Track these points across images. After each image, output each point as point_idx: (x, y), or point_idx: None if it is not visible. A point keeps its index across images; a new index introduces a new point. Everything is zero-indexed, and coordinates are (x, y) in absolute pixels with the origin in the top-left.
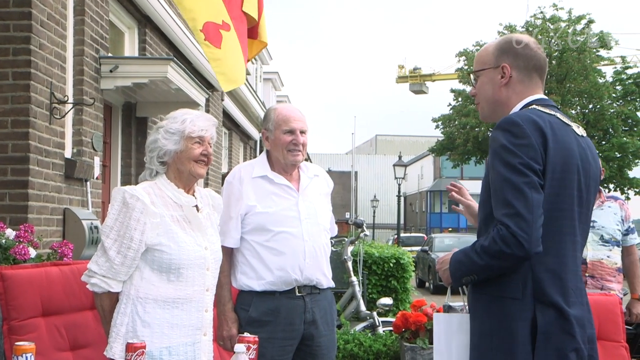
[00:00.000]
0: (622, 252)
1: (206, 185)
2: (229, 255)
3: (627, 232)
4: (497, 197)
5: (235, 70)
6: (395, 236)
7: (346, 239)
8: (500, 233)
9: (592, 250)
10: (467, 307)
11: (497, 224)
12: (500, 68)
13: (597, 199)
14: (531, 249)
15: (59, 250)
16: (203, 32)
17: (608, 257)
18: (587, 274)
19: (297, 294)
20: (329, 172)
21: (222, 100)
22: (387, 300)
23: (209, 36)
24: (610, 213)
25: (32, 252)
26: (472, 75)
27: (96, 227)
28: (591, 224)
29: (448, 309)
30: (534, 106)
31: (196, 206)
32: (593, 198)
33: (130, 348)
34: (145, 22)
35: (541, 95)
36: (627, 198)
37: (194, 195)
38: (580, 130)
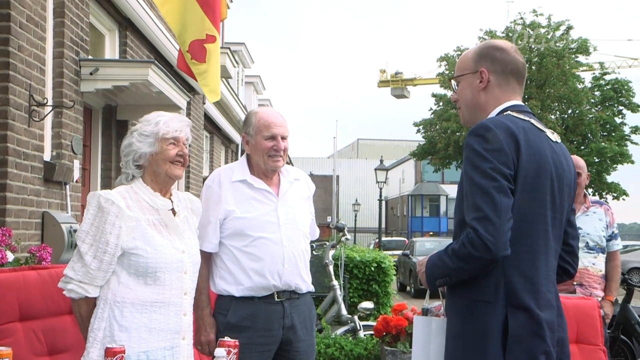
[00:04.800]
0: (605, 257)
1: (187, 189)
2: (207, 260)
3: (610, 238)
4: (467, 201)
5: (217, 82)
6: (377, 240)
7: (327, 243)
8: (469, 236)
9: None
10: (444, 310)
11: (467, 228)
12: (478, 73)
13: (582, 204)
14: (498, 252)
15: (38, 254)
16: (189, 52)
17: (593, 264)
18: (575, 282)
19: (276, 299)
20: (311, 176)
21: (204, 103)
22: (368, 304)
23: (194, 54)
24: (595, 219)
25: (10, 256)
26: (453, 81)
27: (75, 231)
28: None
29: (426, 312)
30: (508, 112)
31: (173, 209)
32: (567, 203)
33: (109, 353)
34: (126, 25)
35: (517, 102)
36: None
37: (170, 199)
38: (555, 137)
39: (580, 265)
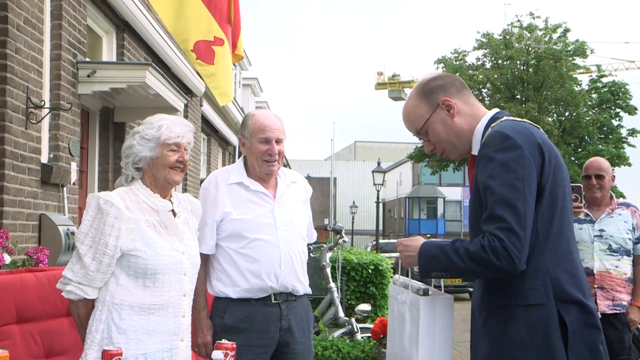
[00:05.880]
0: (632, 261)
1: (185, 191)
2: (204, 262)
3: (638, 241)
4: (490, 212)
5: (227, 84)
6: (374, 242)
7: (325, 245)
8: (492, 244)
9: (599, 261)
10: (443, 288)
11: (487, 234)
12: (440, 105)
13: (607, 205)
14: (520, 266)
15: (35, 257)
16: (194, 52)
17: (616, 267)
18: (595, 285)
19: (273, 301)
20: (308, 178)
21: (201, 106)
22: (365, 307)
23: (200, 55)
24: (620, 221)
25: (7, 258)
26: (419, 136)
27: (72, 233)
28: (599, 233)
29: (427, 292)
30: (504, 118)
31: (173, 211)
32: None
33: (106, 355)
34: (124, 27)
35: (497, 109)
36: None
37: (170, 200)
38: None
39: (601, 268)
